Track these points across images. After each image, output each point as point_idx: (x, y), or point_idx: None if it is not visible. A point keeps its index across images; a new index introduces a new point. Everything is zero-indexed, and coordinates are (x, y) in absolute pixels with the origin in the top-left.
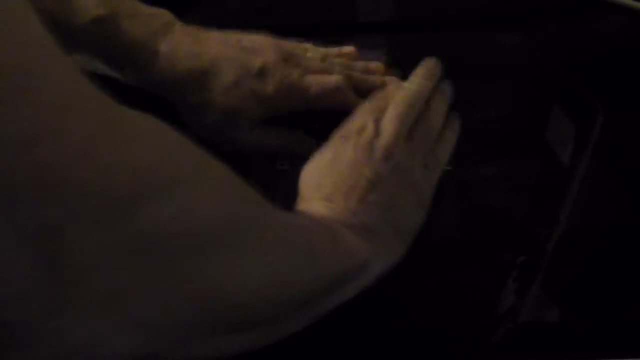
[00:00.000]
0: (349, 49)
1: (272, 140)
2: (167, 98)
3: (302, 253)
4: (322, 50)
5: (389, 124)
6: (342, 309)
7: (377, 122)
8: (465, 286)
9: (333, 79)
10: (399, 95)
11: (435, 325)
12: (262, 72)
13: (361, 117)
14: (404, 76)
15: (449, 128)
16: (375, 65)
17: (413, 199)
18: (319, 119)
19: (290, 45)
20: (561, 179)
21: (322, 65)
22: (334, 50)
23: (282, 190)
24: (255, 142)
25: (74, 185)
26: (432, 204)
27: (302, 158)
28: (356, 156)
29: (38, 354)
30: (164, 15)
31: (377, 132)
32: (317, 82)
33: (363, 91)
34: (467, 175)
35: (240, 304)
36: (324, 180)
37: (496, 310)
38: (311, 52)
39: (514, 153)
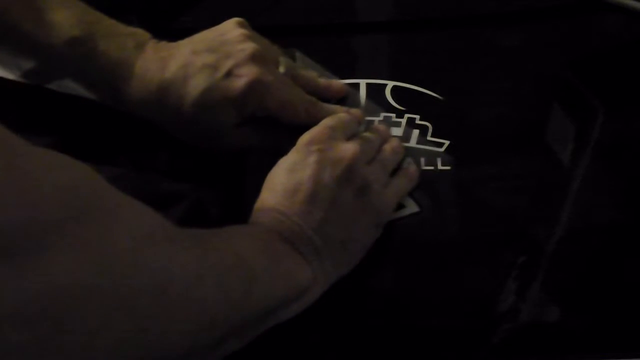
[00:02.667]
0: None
1: (253, 137)
2: (145, 117)
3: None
4: (291, 63)
5: (352, 144)
6: (341, 309)
7: (341, 138)
8: (465, 286)
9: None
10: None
11: (435, 325)
12: (230, 74)
13: (326, 130)
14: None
15: (402, 174)
16: (339, 86)
17: (368, 218)
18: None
19: (263, 45)
20: (561, 179)
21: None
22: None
23: None
24: (238, 142)
25: None
26: (432, 204)
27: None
28: (317, 169)
29: None
30: (138, 34)
31: (340, 148)
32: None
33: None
34: (467, 175)
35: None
36: (281, 187)
37: (496, 310)
38: (282, 64)
39: (514, 153)
